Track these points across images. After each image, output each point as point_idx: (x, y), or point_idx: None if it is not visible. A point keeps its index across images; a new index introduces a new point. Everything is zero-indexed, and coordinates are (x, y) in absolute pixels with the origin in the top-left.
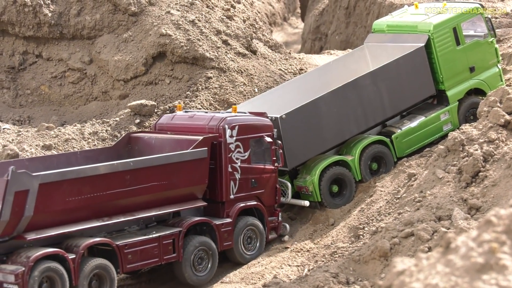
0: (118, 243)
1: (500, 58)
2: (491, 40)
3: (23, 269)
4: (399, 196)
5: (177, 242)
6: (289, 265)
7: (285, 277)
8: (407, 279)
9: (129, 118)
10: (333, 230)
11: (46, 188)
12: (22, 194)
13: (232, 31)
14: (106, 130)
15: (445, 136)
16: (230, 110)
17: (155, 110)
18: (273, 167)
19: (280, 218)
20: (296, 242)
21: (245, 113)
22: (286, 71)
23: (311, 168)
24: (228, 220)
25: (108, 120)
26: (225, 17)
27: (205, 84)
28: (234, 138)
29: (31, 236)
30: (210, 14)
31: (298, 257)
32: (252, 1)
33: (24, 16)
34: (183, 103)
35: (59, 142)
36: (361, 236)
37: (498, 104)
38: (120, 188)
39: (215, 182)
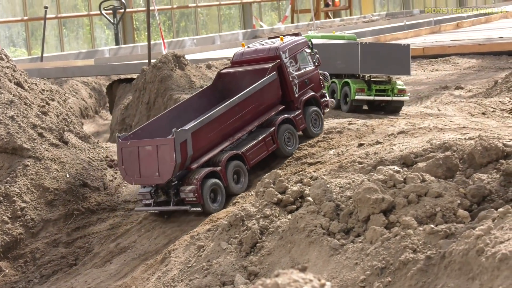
0: (242, 150)
1: None
2: None
3: (196, 187)
4: (190, 265)
5: (274, 136)
6: None
7: None
8: None
9: None
10: None
11: (196, 134)
12: (184, 143)
13: (47, 125)
14: None
15: None
16: (278, 39)
17: None
18: (314, 67)
19: (327, 97)
20: None
21: (287, 36)
22: (94, 158)
23: None
24: (299, 111)
25: None
26: (40, 113)
27: (23, 171)
28: (288, 58)
29: (194, 165)
30: (27, 111)
31: None
32: (66, 98)
33: None
34: (4, 187)
35: None
36: None
37: (272, 185)
38: (235, 116)
39: (284, 89)
